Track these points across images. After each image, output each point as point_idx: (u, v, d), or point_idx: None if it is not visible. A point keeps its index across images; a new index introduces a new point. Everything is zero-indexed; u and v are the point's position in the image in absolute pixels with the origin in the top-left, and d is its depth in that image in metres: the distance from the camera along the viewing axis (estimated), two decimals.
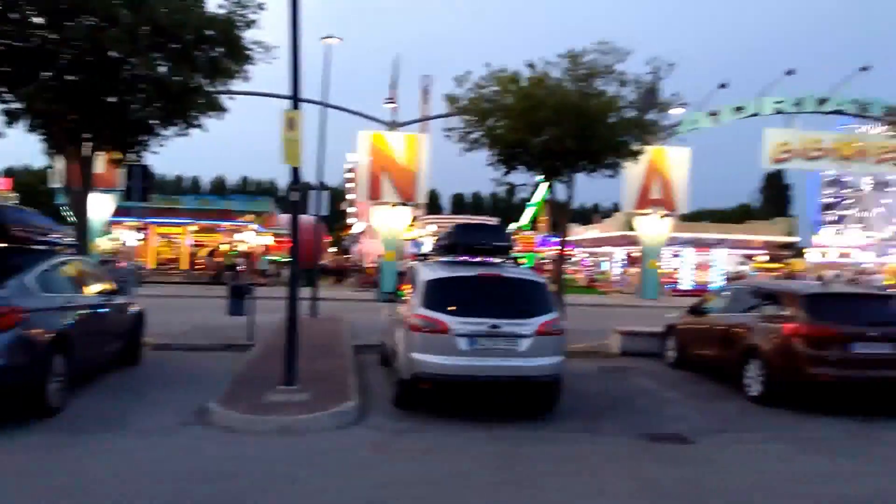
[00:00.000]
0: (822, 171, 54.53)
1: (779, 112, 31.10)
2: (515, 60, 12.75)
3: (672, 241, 34.16)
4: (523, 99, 11.94)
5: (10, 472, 5.20)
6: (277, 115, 7.68)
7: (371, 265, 32.73)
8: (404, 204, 26.99)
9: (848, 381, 8.07)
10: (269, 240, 34.11)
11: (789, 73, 29.99)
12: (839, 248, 57.02)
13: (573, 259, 52.96)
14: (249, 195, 51.37)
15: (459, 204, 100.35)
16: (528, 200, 70.43)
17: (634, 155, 13.02)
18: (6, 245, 7.23)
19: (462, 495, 5.13)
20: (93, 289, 8.50)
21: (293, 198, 7.98)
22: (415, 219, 31.57)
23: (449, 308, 7.28)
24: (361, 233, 39.50)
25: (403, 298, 8.67)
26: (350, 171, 43.73)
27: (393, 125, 27.06)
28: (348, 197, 43.61)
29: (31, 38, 9.16)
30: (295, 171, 7.89)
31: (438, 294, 7.47)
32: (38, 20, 9.24)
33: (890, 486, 5.66)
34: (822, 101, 31.04)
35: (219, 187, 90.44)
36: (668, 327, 11.86)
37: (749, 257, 41.89)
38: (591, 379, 9.96)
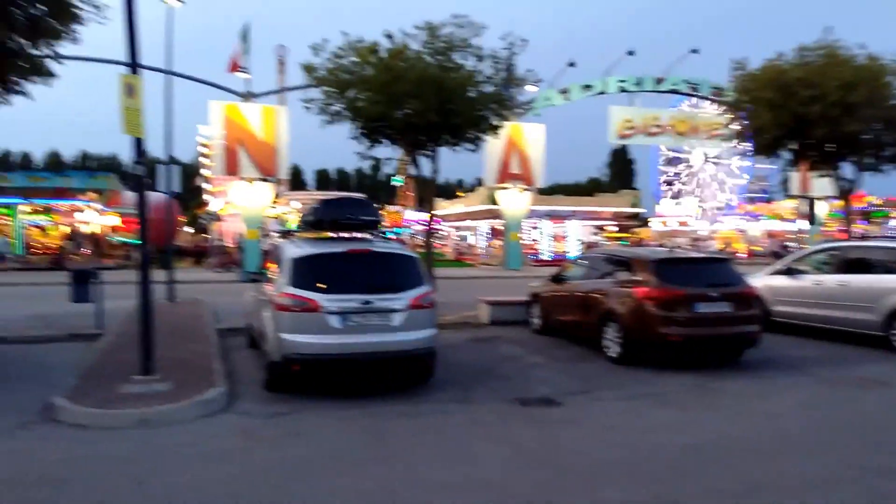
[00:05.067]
0: (661, 145, 59.12)
1: (622, 90, 33.22)
2: (372, 30, 12.48)
3: (531, 214, 35.65)
4: (383, 71, 11.71)
5: None
6: (115, 82, 6.99)
7: (232, 244, 31.16)
8: (264, 179, 25.85)
9: (694, 338, 8.84)
10: (114, 220, 31.34)
11: (630, 53, 32.01)
12: (678, 218, 62.36)
13: (441, 233, 53.80)
14: (89, 171, 46.51)
15: (324, 180, 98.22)
16: (394, 175, 69.77)
17: (494, 129, 13.26)
18: None
19: (332, 475, 4.98)
20: None
21: (138, 172, 7.33)
22: (277, 195, 30.31)
23: (318, 285, 7.07)
24: (220, 210, 37.37)
25: (269, 278, 8.31)
26: (203, 145, 41.12)
27: (248, 96, 25.67)
28: (203, 172, 40.98)
29: None
30: (138, 143, 7.23)
31: (306, 271, 7.22)
32: None
33: (729, 431, 6.23)
34: (659, 81, 33.59)
35: (54, 163, 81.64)
36: (532, 296, 12.33)
37: (600, 228, 44.69)
38: (463, 349, 10.16)
